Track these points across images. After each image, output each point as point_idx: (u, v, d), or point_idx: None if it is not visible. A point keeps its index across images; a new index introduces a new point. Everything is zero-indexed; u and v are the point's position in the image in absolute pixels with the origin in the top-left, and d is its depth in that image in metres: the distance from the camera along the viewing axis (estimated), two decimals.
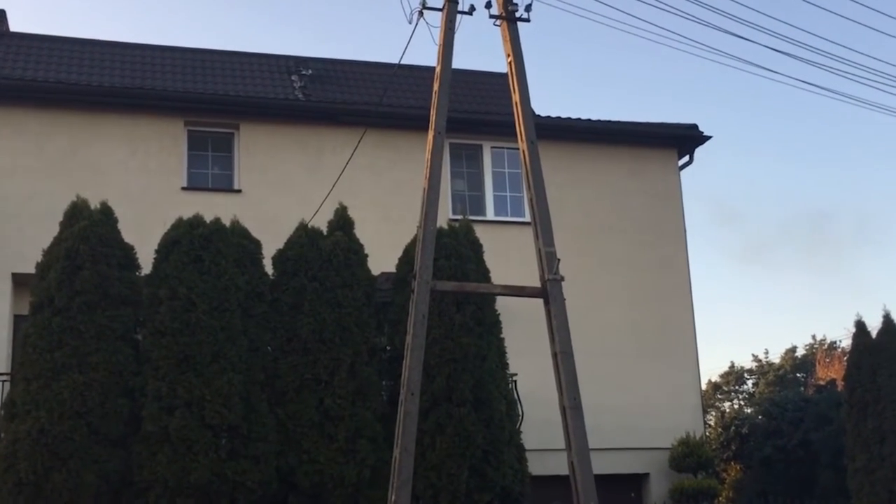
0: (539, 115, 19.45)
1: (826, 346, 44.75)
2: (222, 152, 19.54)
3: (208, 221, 14.54)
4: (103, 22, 65.55)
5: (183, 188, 18.71)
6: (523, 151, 12.85)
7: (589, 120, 21.09)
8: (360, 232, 15.56)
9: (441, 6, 12.81)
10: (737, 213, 63.95)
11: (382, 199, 19.45)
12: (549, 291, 12.25)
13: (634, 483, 20.06)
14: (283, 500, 14.17)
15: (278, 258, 15.12)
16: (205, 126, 19.36)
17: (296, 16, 68.33)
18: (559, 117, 20.79)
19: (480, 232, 16.30)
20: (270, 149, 19.36)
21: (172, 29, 67.12)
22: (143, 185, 18.39)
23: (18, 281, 17.04)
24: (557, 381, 12.15)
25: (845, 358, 22.24)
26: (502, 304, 15.60)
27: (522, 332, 16.60)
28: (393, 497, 11.51)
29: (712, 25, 15.03)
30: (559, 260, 12.31)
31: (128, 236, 14.61)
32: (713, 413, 37.94)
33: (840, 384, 23.65)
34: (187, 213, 14.75)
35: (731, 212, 63.74)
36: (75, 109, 18.59)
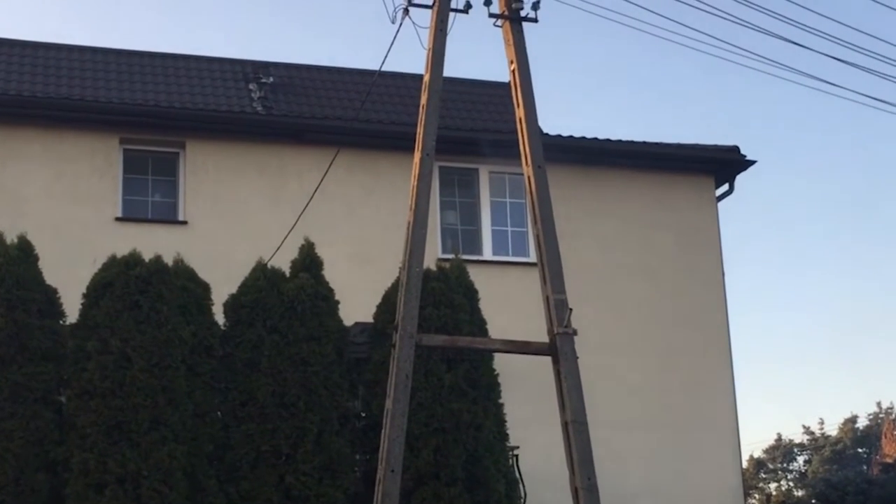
0: (548, 134, 19.57)
1: (894, 415, 44.83)
2: (165, 176, 19.61)
3: (147, 260, 14.59)
4: (22, 19, 65.86)
5: (117, 219, 18.76)
6: (528, 177, 12.94)
7: (608, 140, 21.19)
8: (330, 274, 15.62)
9: (430, 3, 12.94)
10: (783, 251, 64.02)
11: (357, 234, 19.52)
12: (558, 347, 12.30)
13: None
14: None
15: (231, 305, 15.17)
16: (144, 144, 19.44)
17: (254, 13, 68.76)
18: (572, 137, 20.89)
19: (476, 275, 16.37)
20: (222, 172, 19.44)
21: (105, 28, 67.45)
22: (70, 215, 18.44)
23: None
24: (568, 457, 12.17)
25: None
26: (502, 362, 15.64)
27: (526, 396, 16.61)
28: None
29: (759, 28, 15.15)
30: (571, 309, 12.36)
31: (50, 277, 14.65)
32: (756, 496, 37.97)
33: None
34: (122, 250, 14.79)
35: (777, 249, 63.80)
36: None
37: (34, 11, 66.75)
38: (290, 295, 14.94)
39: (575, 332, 12.33)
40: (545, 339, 12.51)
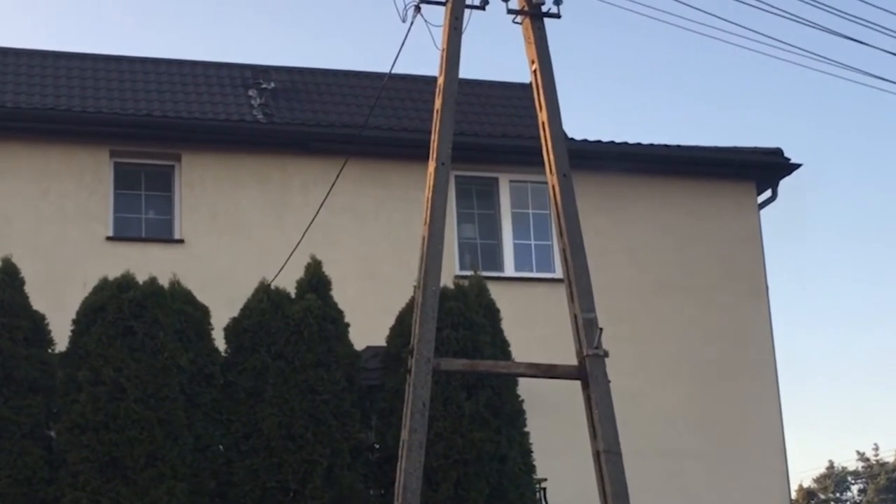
0: (573, 139, 19.59)
1: None
2: (159, 191, 19.68)
3: (141, 282, 14.65)
4: (4, 22, 66.23)
5: (109, 238, 18.83)
6: (553, 186, 12.95)
7: (639, 144, 21.20)
8: (339, 294, 15.65)
9: None
10: (831, 262, 63.84)
11: (368, 250, 19.55)
12: (588, 371, 12.28)
13: None
14: None
15: (232, 329, 15.20)
16: (137, 157, 19.52)
17: (253, 14, 68.98)
18: (599, 141, 20.90)
19: (497, 293, 16.36)
20: (221, 186, 19.49)
21: (93, 33, 67.77)
22: (58, 235, 18.51)
23: None
24: (601, 490, 12.15)
25: None
26: (527, 387, 15.64)
27: (554, 424, 16.59)
28: None
29: (802, 20, 15.10)
30: (601, 329, 12.36)
31: (37, 302, 14.71)
32: None
33: None
34: (114, 272, 14.86)
35: (825, 260, 63.65)
36: None
37: (14, 15, 67.17)
38: (296, 318, 14.96)
39: (606, 354, 12.32)
40: (574, 361, 12.51)
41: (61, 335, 14.62)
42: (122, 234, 19.08)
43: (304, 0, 69.98)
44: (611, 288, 18.51)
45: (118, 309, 14.34)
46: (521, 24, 13.30)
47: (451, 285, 15.72)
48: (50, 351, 14.60)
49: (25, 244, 17.30)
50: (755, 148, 21.99)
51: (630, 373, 17.72)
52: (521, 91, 21.79)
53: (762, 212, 21.93)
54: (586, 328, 12.37)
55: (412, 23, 12.95)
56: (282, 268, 16.85)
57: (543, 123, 13.10)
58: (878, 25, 15.21)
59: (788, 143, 58.34)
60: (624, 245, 20.72)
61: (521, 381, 15.42)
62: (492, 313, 15.87)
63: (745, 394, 20.66)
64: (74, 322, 14.59)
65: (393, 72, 14.63)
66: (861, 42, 15.23)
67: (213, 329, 15.10)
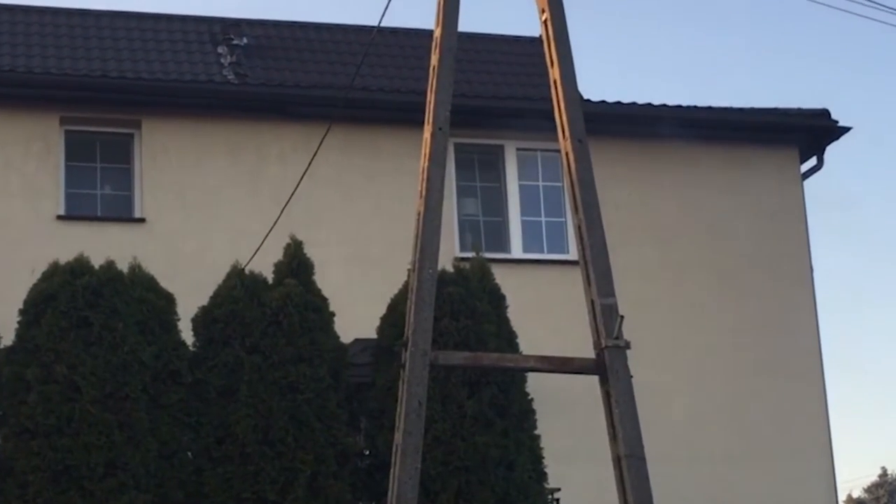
0: (589, 100, 19.59)
1: None
2: (117, 163, 19.69)
3: (97, 266, 14.67)
4: None
5: (59, 217, 18.87)
6: (566, 154, 12.94)
7: (664, 106, 21.17)
8: (323, 279, 15.69)
9: None
10: (883, 239, 64.00)
11: (356, 229, 19.58)
12: (607, 364, 12.30)
13: None
14: None
15: (201, 319, 15.24)
16: (91, 124, 19.53)
17: None
18: (619, 103, 20.91)
19: (503, 276, 16.41)
20: (187, 156, 19.51)
21: None
22: (1, 213, 18.53)
23: None
24: (622, 500, 12.18)
25: None
26: (537, 383, 15.69)
27: (568, 425, 16.64)
28: None
29: None
30: (622, 317, 12.38)
31: None
32: None
33: None
34: (66, 255, 14.88)
35: (877, 237, 63.78)
36: None
37: None
38: (274, 306, 14.99)
39: (627, 345, 12.33)
40: (590, 354, 12.53)
41: (6, 328, 14.64)
42: (75, 212, 19.11)
43: None
44: (633, 270, 18.54)
45: (71, 297, 14.35)
46: None
47: (450, 268, 15.75)
48: None
49: None
50: (799, 109, 21.98)
51: (655, 366, 17.78)
52: (529, 46, 21.79)
53: (806, 182, 21.96)
54: (605, 316, 12.38)
55: None
56: (257, 249, 16.86)
57: (556, 82, 13.08)
58: None
59: (836, 103, 58.26)
60: (648, 221, 20.73)
61: (531, 376, 15.46)
62: (497, 300, 15.91)
63: (787, 391, 20.69)
64: (21, 313, 14.61)
65: (382, 25, 14.63)
66: None
67: (179, 320, 15.13)
